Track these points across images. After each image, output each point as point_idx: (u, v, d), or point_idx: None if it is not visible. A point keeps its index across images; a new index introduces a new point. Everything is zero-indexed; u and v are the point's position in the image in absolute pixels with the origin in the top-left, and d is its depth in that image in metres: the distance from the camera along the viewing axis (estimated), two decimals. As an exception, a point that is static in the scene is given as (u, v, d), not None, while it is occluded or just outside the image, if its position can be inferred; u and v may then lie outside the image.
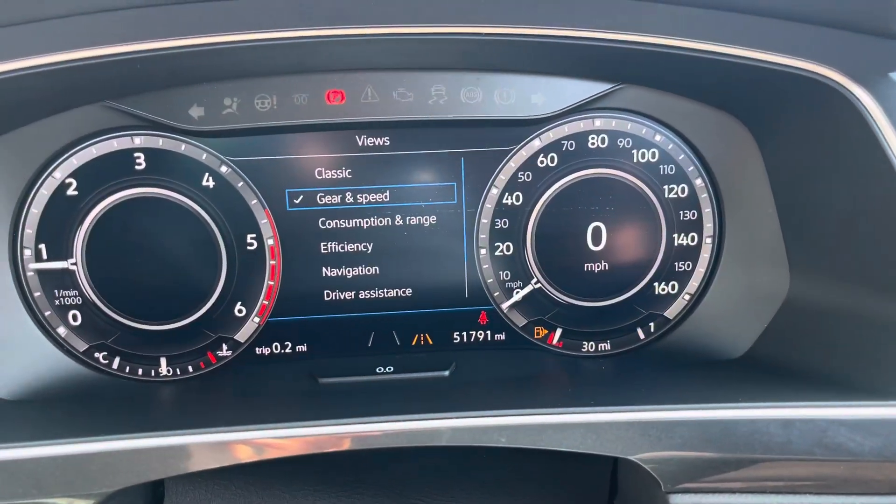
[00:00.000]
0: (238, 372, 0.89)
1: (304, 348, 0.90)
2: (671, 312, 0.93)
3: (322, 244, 0.88)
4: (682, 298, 0.92)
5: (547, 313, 0.92)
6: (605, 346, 0.93)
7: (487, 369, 0.88)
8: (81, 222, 0.83)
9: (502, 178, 0.88)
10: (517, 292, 0.91)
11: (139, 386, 0.87)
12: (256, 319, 0.88)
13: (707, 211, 0.90)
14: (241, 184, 0.85)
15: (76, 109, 0.80)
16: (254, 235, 0.86)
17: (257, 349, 0.90)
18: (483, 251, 0.90)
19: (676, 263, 0.91)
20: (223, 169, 0.85)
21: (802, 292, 0.85)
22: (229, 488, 0.84)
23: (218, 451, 0.68)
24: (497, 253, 0.90)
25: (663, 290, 0.92)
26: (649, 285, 0.92)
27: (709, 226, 0.90)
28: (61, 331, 0.85)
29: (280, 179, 0.86)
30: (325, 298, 0.89)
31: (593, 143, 0.88)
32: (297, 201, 0.86)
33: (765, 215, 0.87)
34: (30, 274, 0.84)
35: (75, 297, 0.85)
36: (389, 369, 0.86)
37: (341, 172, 0.86)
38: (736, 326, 0.89)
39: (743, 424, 0.68)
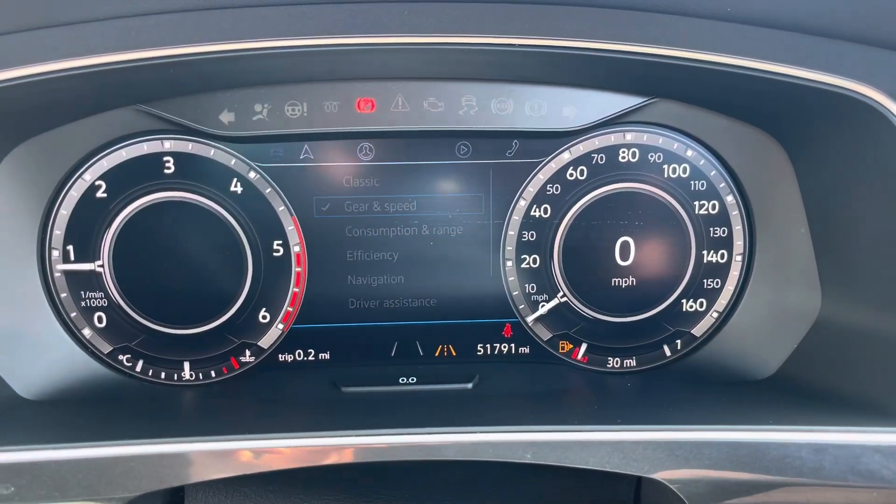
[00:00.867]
0: (260, 378, 0.89)
1: (327, 356, 0.90)
2: (698, 330, 0.91)
3: (348, 252, 0.87)
4: (710, 316, 0.91)
5: (572, 328, 0.91)
6: (631, 362, 0.92)
7: (511, 383, 0.87)
8: (109, 224, 0.84)
9: (531, 190, 0.87)
10: (543, 305, 0.90)
11: (162, 389, 0.87)
12: (280, 326, 0.88)
13: (737, 228, 0.89)
14: (268, 190, 0.85)
15: (108, 112, 0.81)
16: (280, 242, 0.86)
17: (280, 356, 0.89)
18: (509, 263, 0.89)
19: (705, 280, 0.90)
20: (251, 175, 0.85)
21: (834, 313, 0.83)
22: (249, 496, 0.84)
23: (239, 459, 0.68)
24: (523, 265, 0.89)
25: (691, 307, 0.91)
26: (677, 302, 0.90)
27: (739, 243, 0.89)
28: (86, 332, 0.86)
29: (308, 186, 0.85)
30: (350, 307, 0.89)
31: (624, 157, 0.87)
32: (325, 209, 0.86)
33: (797, 234, 0.86)
34: (57, 275, 0.84)
35: (101, 298, 0.85)
36: (412, 380, 0.86)
37: (369, 181, 0.86)
38: (765, 346, 0.88)
39: (774, 447, 0.67)
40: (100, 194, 0.83)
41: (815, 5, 0.70)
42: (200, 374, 0.88)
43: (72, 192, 0.83)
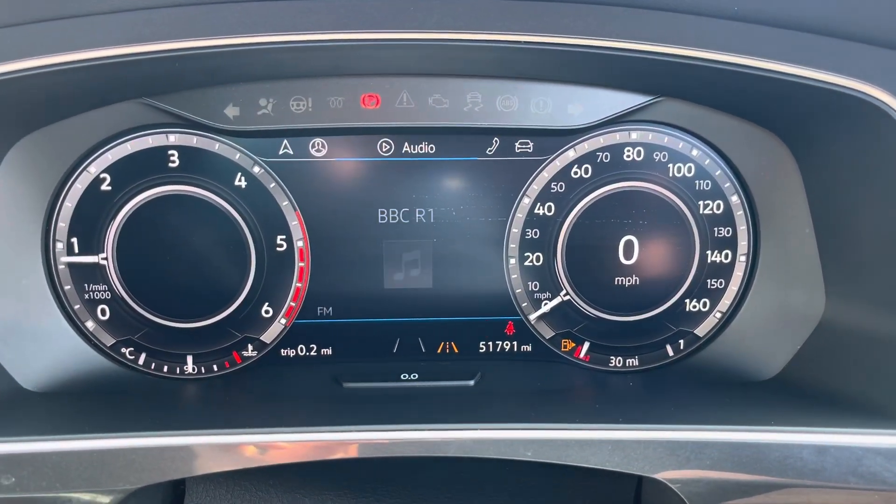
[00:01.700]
0: (263, 373, 0.89)
1: (330, 351, 0.90)
2: (701, 330, 0.91)
3: (351, 248, 0.87)
4: (714, 316, 0.91)
5: (575, 326, 0.91)
6: (633, 361, 0.92)
7: (513, 380, 0.87)
8: (114, 217, 0.84)
9: (534, 187, 0.87)
10: (545, 304, 0.90)
11: (164, 383, 0.87)
12: (283, 321, 0.88)
13: (742, 228, 0.88)
14: (272, 185, 0.85)
15: (113, 105, 0.81)
16: (283, 237, 0.86)
17: (282, 350, 0.89)
18: (512, 261, 0.89)
19: (709, 280, 0.90)
20: (256, 169, 0.85)
21: (838, 315, 0.83)
22: (249, 489, 0.84)
23: (240, 453, 0.68)
24: (526, 263, 0.89)
25: (694, 307, 0.91)
26: (680, 302, 0.90)
27: (743, 243, 0.89)
28: (90, 325, 0.86)
29: (312, 182, 0.85)
30: (352, 302, 0.89)
31: (628, 156, 0.86)
32: (328, 204, 0.86)
33: (801, 234, 0.85)
34: (61, 267, 0.84)
35: (105, 291, 0.85)
36: (414, 376, 0.86)
37: (372, 177, 0.86)
38: (768, 347, 0.87)
39: (775, 448, 0.67)
40: (104, 187, 0.83)
41: (821, 5, 0.70)
42: (203, 368, 0.88)
43: (76, 184, 0.83)
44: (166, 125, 0.83)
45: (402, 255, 0.88)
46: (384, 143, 0.85)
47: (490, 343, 0.91)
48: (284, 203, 0.86)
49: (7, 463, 0.65)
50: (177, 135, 0.83)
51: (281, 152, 0.85)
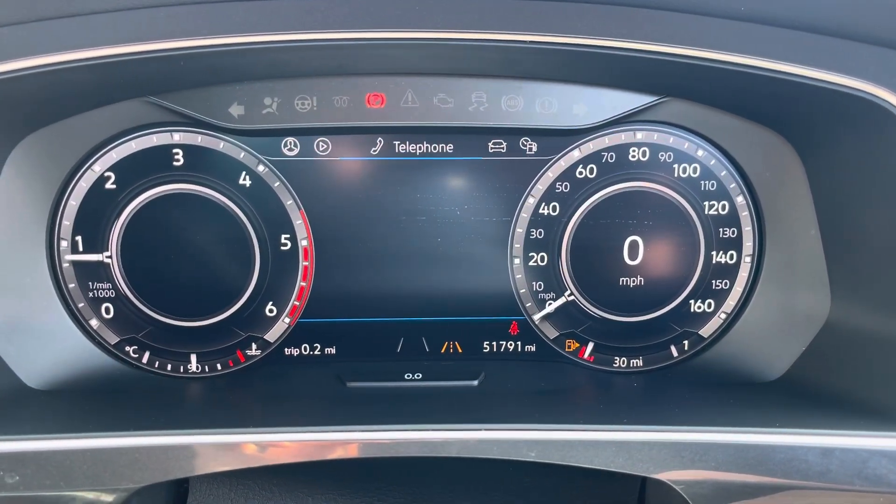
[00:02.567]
0: (266, 372, 0.89)
1: (333, 351, 0.90)
2: (706, 331, 0.91)
3: (356, 247, 0.87)
4: (718, 317, 0.91)
5: (579, 326, 0.91)
6: (638, 362, 0.92)
7: (517, 381, 0.87)
8: (118, 216, 0.84)
9: (539, 187, 0.87)
10: (550, 304, 0.90)
11: (168, 381, 0.87)
12: (287, 320, 0.88)
13: (747, 229, 0.88)
14: (277, 184, 0.85)
15: (118, 104, 0.81)
16: (288, 236, 0.86)
17: (286, 350, 0.89)
18: (517, 261, 0.89)
19: (714, 281, 0.90)
20: (260, 168, 0.85)
21: (843, 316, 0.82)
22: (253, 489, 0.84)
23: (244, 452, 0.68)
24: (531, 263, 0.89)
25: (699, 307, 0.90)
26: (685, 302, 0.90)
27: (748, 244, 0.89)
28: (94, 323, 0.86)
29: (316, 181, 0.85)
30: (357, 302, 0.89)
31: (634, 156, 0.86)
32: (333, 203, 0.86)
33: (807, 236, 0.85)
34: (65, 265, 0.84)
35: (109, 289, 0.85)
36: (418, 376, 0.86)
37: (378, 176, 0.86)
38: (773, 348, 0.87)
39: (780, 450, 0.67)
40: (109, 185, 0.83)
41: (828, 6, 0.70)
42: (206, 367, 0.88)
43: (81, 182, 0.83)
44: (171, 124, 0.83)
45: (406, 255, 0.88)
46: (389, 143, 0.85)
47: (494, 343, 0.91)
48: (289, 202, 0.85)
49: (11, 461, 0.65)
50: (181, 133, 0.83)
51: (285, 151, 0.85)
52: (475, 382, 0.85)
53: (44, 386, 0.80)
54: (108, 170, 0.83)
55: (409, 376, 0.86)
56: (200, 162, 0.84)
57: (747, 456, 0.67)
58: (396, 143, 0.85)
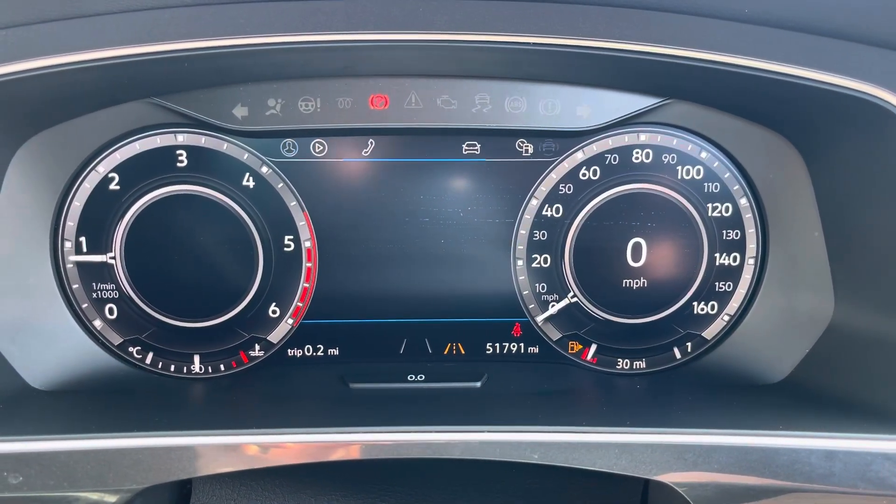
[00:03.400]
0: (269, 373, 0.89)
1: (336, 352, 0.90)
2: (709, 333, 0.91)
3: (359, 248, 0.87)
4: (722, 319, 0.90)
5: (582, 328, 0.91)
6: (641, 364, 0.92)
7: (520, 382, 0.87)
8: (122, 217, 0.84)
9: (543, 189, 0.87)
10: (553, 305, 0.90)
11: (171, 382, 0.88)
12: (290, 321, 0.88)
13: (751, 231, 0.88)
14: (280, 185, 0.85)
15: (122, 105, 0.81)
16: (291, 237, 0.86)
17: (289, 351, 0.90)
18: (520, 262, 0.89)
19: (717, 283, 0.89)
20: (264, 169, 0.85)
21: (847, 318, 0.82)
22: (256, 490, 0.84)
23: (247, 454, 0.68)
24: (534, 265, 0.89)
25: (702, 309, 0.90)
26: (688, 304, 0.90)
27: (752, 246, 0.89)
28: (97, 324, 0.86)
29: (320, 182, 0.85)
30: (360, 303, 0.89)
31: (637, 158, 0.86)
32: (336, 205, 0.86)
33: (810, 238, 0.85)
34: (69, 266, 0.84)
35: (112, 290, 0.85)
36: (421, 377, 0.86)
37: (381, 178, 0.86)
38: (776, 350, 0.87)
39: (784, 453, 0.67)
40: (113, 186, 0.84)
41: (830, 8, 0.70)
42: (210, 368, 0.88)
43: (85, 183, 0.83)
44: (175, 125, 0.83)
45: (409, 256, 0.88)
46: (392, 144, 0.85)
47: (497, 345, 0.91)
48: (292, 203, 0.86)
49: (14, 462, 0.65)
50: (185, 135, 0.83)
51: (289, 152, 0.85)
52: (478, 384, 0.85)
53: (47, 386, 0.80)
54: (111, 171, 0.83)
55: (411, 378, 0.86)
56: (204, 163, 0.84)
57: (750, 458, 0.67)
58: (399, 144, 0.85)
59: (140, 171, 0.84)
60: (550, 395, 0.85)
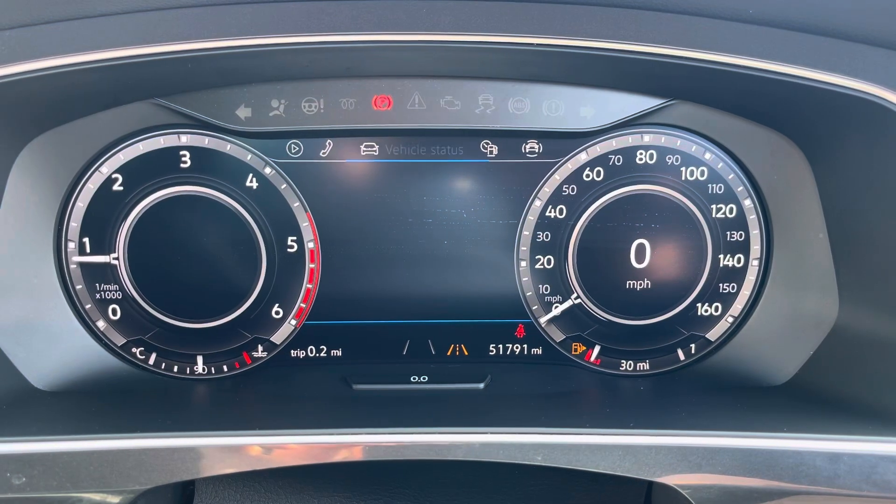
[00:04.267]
0: (272, 373, 0.89)
1: (339, 353, 0.90)
2: (713, 334, 0.91)
3: (362, 249, 0.87)
4: (726, 321, 0.90)
5: (586, 329, 0.90)
6: (644, 365, 0.91)
7: (523, 384, 0.87)
8: (125, 218, 0.84)
9: (546, 190, 0.87)
10: (556, 307, 0.89)
11: (175, 383, 0.87)
12: (293, 322, 0.88)
13: (755, 232, 0.88)
14: (284, 186, 0.85)
15: (125, 106, 0.81)
16: (294, 238, 0.86)
17: (292, 351, 0.90)
18: (523, 264, 0.89)
19: (721, 285, 0.89)
20: (267, 170, 0.85)
21: (852, 320, 0.82)
22: (259, 491, 0.84)
23: (250, 455, 0.68)
24: (537, 266, 0.89)
25: (706, 311, 0.90)
26: (692, 306, 0.90)
27: (756, 248, 0.88)
28: (101, 324, 0.86)
29: (323, 183, 0.85)
30: (363, 304, 0.89)
31: (641, 159, 0.86)
32: (339, 205, 0.86)
33: (815, 239, 0.85)
34: (73, 266, 0.84)
35: (116, 291, 0.86)
36: (424, 379, 0.86)
37: (384, 179, 0.86)
38: (780, 352, 0.87)
39: (788, 455, 0.66)
40: (116, 187, 0.84)
41: (833, 8, 0.69)
42: (213, 369, 0.88)
43: (88, 184, 0.83)
44: (178, 126, 0.83)
45: (412, 257, 0.87)
46: (395, 145, 0.85)
47: (500, 346, 0.91)
48: (295, 204, 0.86)
49: (18, 462, 0.65)
50: (188, 135, 0.83)
51: (292, 153, 0.85)
52: (481, 385, 0.84)
53: (50, 387, 0.80)
54: (115, 171, 0.83)
55: (414, 379, 0.86)
56: (207, 164, 0.84)
57: (754, 460, 0.67)
58: (403, 145, 0.85)
59: (143, 172, 0.84)
60: (554, 396, 0.85)
